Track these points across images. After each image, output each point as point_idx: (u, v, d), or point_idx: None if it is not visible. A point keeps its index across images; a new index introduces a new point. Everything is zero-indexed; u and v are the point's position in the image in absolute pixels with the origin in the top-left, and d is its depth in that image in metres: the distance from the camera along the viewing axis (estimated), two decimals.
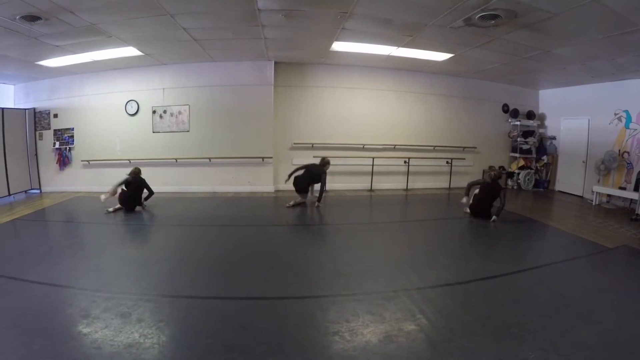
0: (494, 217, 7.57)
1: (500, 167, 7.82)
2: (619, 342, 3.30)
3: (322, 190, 8.84)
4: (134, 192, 8.33)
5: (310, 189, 9.08)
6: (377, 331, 3.42)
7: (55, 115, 10.74)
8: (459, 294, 4.33)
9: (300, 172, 8.89)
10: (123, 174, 9.04)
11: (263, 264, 5.21)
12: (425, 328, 3.48)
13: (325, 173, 8.86)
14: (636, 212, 8.39)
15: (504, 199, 7.74)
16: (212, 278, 4.78)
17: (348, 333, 3.38)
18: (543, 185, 12.27)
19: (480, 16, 5.93)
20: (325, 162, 9.03)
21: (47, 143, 10.85)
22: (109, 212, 8.08)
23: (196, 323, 3.57)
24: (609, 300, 4.21)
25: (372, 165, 11.12)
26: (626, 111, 9.69)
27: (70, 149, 10.79)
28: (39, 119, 10.80)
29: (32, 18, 5.92)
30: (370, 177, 11.27)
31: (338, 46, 8.49)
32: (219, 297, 4.22)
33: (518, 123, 12.19)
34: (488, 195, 7.79)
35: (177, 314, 3.76)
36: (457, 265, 5.23)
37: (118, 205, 8.29)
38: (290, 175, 8.87)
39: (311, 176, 8.86)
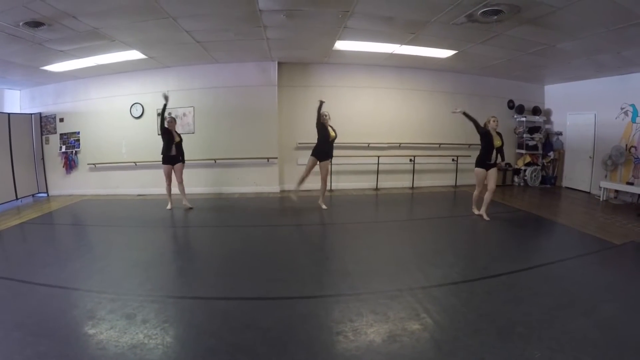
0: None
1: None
2: (627, 340, 3.26)
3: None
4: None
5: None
6: (381, 331, 3.41)
7: (61, 120, 10.82)
8: (464, 292, 4.31)
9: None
10: (130, 175, 9.17)
11: (268, 264, 5.23)
12: (430, 327, 3.47)
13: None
14: None
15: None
16: (217, 279, 4.79)
17: (352, 333, 3.37)
18: (550, 182, 12.19)
19: (483, 12, 5.90)
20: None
21: (54, 147, 10.92)
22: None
23: (200, 323, 3.58)
24: (616, 297, 4.16)
25: (378, 163, 11.09)
26: (633, 105, 9.60)
27: (76, 153, 10.86)
28: (45, 123, 10.88)
29: (35, 24, 5.96)
30: (375, 176, 11.24)
31: (341, 45, 8.48)
32: (224, 297, 4.23)
33: (524, 119, 12.11)
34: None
35: (181, 315, 3.78)
36: (462, 263, 5.22)
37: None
38: None
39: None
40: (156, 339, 3.29)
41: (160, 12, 6.00)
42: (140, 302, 4.00)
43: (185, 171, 9.32)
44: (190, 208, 8.61)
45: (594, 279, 4.80)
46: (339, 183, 11.12)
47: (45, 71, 9.06)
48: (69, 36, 6.77)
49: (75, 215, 8.77)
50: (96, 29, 6.56)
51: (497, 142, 7.43)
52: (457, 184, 11.84)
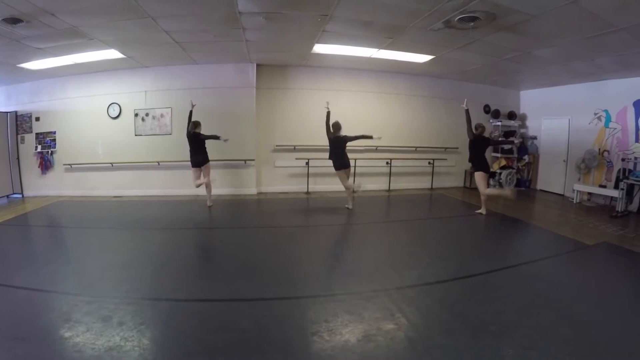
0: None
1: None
2: (598, 337, 3.36)
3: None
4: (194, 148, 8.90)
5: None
6: (356, 331, 3.45)
7: (37, 119, 10.61)
8: (438, 293, 4.38)
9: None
10: (107, 176, 9.08)
11: (244, 266, 5.22)
12: (404, 327, 3.52)
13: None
14: (616, 209, 8.54)
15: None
16: (193, 281, 4.77)
17: (327, 333, 3.41)
18: (524, 185, 12.42)
19: (460, 18, 5.99)
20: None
21: (29, 147, 10.70)
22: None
23: (177, 325, 3.57)
24: (588, 296, 4.31)
25: (354, 166, 11.08)
26: (606, 111, 9.88)
27: (52, 153, 10.67)
28: (20, 122, 10.66)
29: (13, 20, 5.87)
30: (352, 179, 11.26)
31: (319, 48, 8.53)
32: (200, 299, 4.23)
33: (499, 123, 12.32)
34: (479, 150, 8.19)
35: (158, 317, 3.76)
36: (437, 264, 5.28)
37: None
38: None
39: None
40: (133, 341, 3.27)
41: (139, 11, 5.96)
42: (117, 304, 3.97)
43: (162, 173, 9.27)
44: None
45: (567, 279, 4.91)
46: (315, 185, 11.15)
47: (22, 69, 8.89)
48: (47, 33, 6.68)
49: (51, 216, 8.63)
50: (75, 27, 6.49)
51: None
52: (433, 186, 11.99)
